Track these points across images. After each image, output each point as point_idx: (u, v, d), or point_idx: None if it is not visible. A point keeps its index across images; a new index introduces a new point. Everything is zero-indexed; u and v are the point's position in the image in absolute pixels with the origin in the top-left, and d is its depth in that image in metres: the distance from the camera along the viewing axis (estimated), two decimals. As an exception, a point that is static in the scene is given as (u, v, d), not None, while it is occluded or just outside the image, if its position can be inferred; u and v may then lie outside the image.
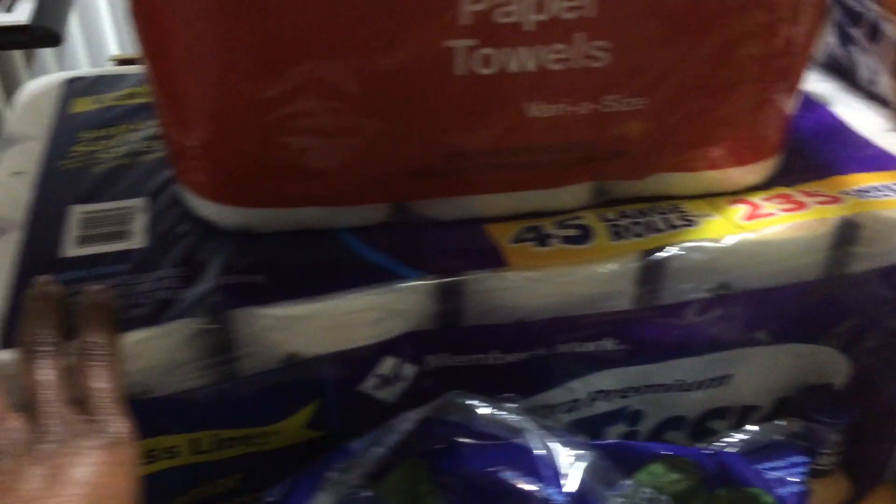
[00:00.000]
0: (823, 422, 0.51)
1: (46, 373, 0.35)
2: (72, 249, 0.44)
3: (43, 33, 1.15)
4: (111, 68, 0.61)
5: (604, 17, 0.40)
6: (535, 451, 0.42)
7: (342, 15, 0.38)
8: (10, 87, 1.58)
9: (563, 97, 0.42)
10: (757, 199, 0.49)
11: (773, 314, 0.49)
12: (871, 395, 0.54)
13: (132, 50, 1.61)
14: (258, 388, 0.43)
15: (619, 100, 0.43)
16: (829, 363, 0.53)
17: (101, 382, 0.36)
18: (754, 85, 0.46)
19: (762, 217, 0.48)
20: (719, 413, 0.54)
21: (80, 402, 0.36)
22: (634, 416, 0.52)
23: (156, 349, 0.40)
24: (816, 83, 0.63)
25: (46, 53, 1.57)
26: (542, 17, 0.39)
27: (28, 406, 0.35)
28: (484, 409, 0.43)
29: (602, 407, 0.51)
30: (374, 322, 0.43)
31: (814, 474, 0.52)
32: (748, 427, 0.50)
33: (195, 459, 0.44)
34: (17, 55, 1.55)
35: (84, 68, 1.60)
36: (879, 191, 0.49)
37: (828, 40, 0.65)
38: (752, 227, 0.47)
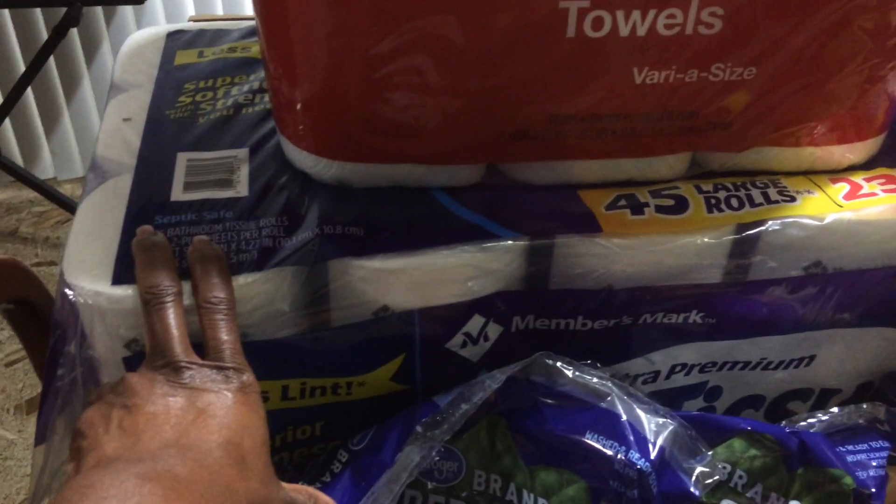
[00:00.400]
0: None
1: (174, 323, 0.37)
2: (179, 194, 0.46)
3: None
4: (210, 23, 0.62)
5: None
6: (621, 417, 0.43)
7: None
8: (92, 43, 1.63)
9: (671, 64, 0.42)
10: (858, 178, 0.48)
11: (864, 296, 0.48)
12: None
13: (209, 11, 1.64)
14: (349, 338, 0.44)
15: (726, 69, 0.42)
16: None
17: (225, 335, 0.38)
18: (864, 62, 0.45)
19: (863, 197, 0.47)
20: (799, 394, 0.53)
21: (205, 348, 0.38)
22: (713, 392, 0.52)
23: (258, 294, 0.41)
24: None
25: (126, 12, 1.62)
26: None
27: (157, 352, 0.37)
28: (571, 372, 0.44)
29: (681, 381, 0.51)
30: (466, 280, 0.43)
31: (892, 461, 0.51)
32: (831, 409, 0.50)
33: (283, 405, 0.45)
34: (100, 14, 1.59)
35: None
36: None
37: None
38: (852, 206, 0.46)
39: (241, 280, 0.41)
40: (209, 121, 0.52)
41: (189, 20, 1.59)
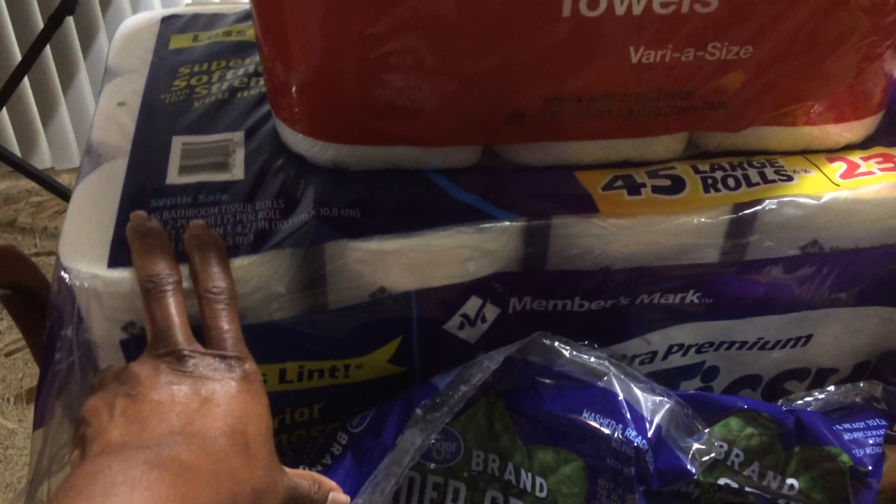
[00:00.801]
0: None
1: (174, 311, 0.37)
2: (175, 177, 0.46)
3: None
4: (205, 7, 0.62)
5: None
6: (619, 396, 0.43)
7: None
8: (88, 31, 1.62)
9: (668, 43, 0.42)
10: (855, 157, 0.48)
11: (862, 275, 0.48)
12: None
13: (205, -3, 1.63)
14: (346, 321, 0.44)
15: (723, 48, 0.42)
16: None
17: (227, 324, 0.38)
18: (861, 40, 0.45)
19: (860, 176, 0.47)
20: (796, 374, 0.53)
21: (205, 337, 0.38)
22: (710, 373, 0.52)
23: (254, 277, 0.41)
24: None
25: (122, 0, 1.61)
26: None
27: (159, 340, 0.37)
28: (568, 352, 0.44)
29: (678, 361, 0.51)
30: (463, 261, 0.43)
31: (888, 440, 0.51)
32: (827, 387, 0.50)
33: (281, 388, 0.45)
34: (96, 2, 1.58)
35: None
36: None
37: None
38: (849, 185, 0.46)
39: (237, 263, 0.41)
40: (204, 105, 0.51)
41: (185, 5, 1.58)
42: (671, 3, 0.40)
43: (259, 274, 0.41)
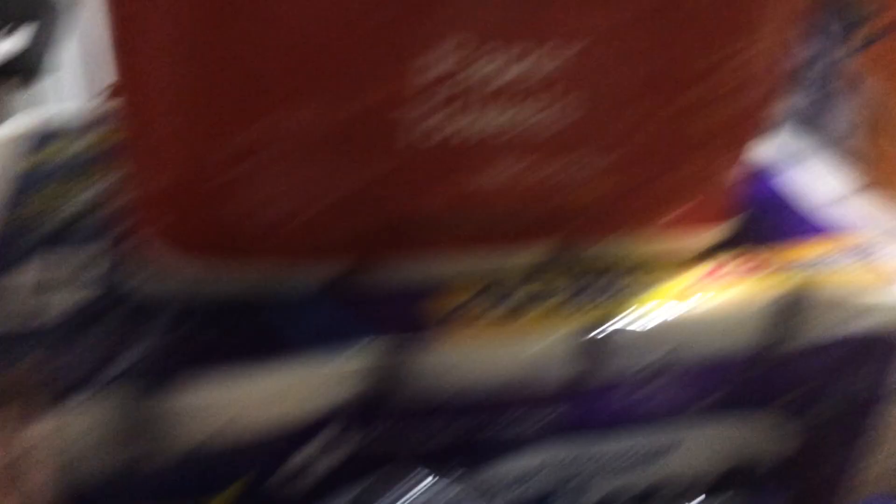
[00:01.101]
0: (766, 495, 0.50)
1: None
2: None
3: (20, 67, 1.15)
4: (71, 115, 0.60)
5: (554, 82, 0.39)
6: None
7: (300, 68, 0.36)
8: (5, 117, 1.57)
9: (518, 162, 0.41)
10: (717, 260, 0.48)
11: (718, 384, 0.48)
12: (818, 465, 0.53)
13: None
14: (179, 468, 0.41)
15: (569, 164, 0.42)
16: (775, 433, 0.52)
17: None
18: (705, 150, 0.45)
19: (719, 280, 0.47)
20: (659, 488, 0.52)
21: None
22: (573, 494, 0.51)
23: (69, 433, 0.38)
24: (785, 140, 0.62)
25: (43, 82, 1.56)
26: (497, 85, 0.38)
27: None
28: (414, 492, 0.42)
29: (538, 484, 0.49)
30: (304, 399, 0.41)
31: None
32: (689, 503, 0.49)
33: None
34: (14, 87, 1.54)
35: (65, 104, 1.59)
36: (826, 262, 0.48)
37: (803, 94, 0.64)
38: (709, 290, 0.46)
39: (47, 422, 0.37)
40: (39, 235, 0.49)
41: (105, 88, 1.55)
42: (503, 133, 0.40)
43: (75, 429, 0.38)
